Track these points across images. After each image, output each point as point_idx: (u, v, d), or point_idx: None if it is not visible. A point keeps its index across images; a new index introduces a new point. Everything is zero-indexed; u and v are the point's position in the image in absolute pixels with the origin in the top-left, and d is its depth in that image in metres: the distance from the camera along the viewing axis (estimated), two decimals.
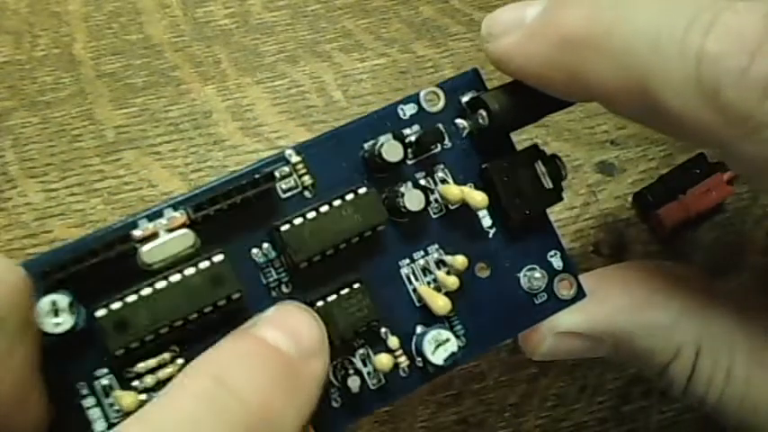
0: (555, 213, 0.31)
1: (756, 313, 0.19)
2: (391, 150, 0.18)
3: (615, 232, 0.31)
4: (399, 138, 0.18)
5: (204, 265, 0.16)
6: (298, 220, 0.17)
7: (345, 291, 0.18)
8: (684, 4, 0.15)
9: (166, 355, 0.17)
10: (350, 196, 0.17)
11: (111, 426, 0.16)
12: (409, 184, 0.19)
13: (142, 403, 0.16)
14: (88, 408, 0.16)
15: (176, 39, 0.34)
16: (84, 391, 0.16)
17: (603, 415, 0.28)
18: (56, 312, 0.16)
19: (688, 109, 0.15)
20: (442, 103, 0.19)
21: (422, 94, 0.19)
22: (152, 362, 0.16)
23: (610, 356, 0.20)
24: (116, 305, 0.16)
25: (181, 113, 0.32)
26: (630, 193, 0.32)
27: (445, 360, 0.18)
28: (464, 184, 0.19)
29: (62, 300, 0.16)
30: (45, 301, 0.16)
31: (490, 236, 0.19)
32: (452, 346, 0.18)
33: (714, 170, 0.31)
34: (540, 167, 0.19)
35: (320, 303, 0.17)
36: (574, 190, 0.32)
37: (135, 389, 0.16)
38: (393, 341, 0.18)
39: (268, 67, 0.33)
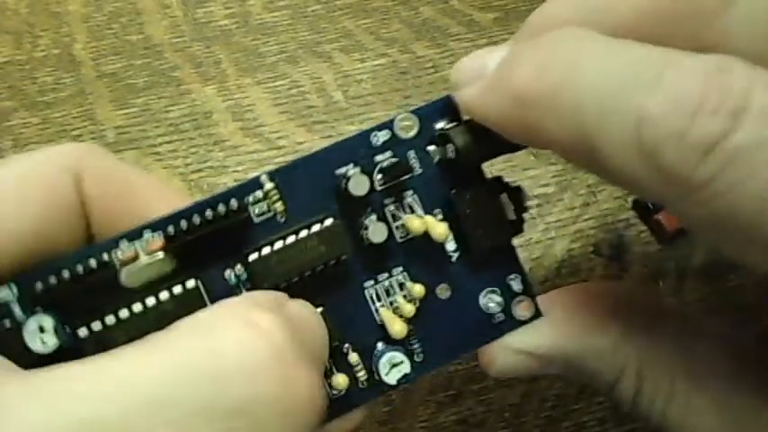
0: (555, 214, 0.31)
1: (697, 337, 0.20)
2: (357, 184, 0.19)
3: (615, 232, 0.31)
4: (366, 171, 0.19)
5: (177, 290, 0.18)
6: (265, 250, 0.18)
7: None
8: (628, 63, 0.15)
9: None
10: (316, 227, 0.18)
11: None
12: (373, 216, 0.19)
13: None
14: None
15: (177, 39, 0.34)
16: None
17: (603, 415, 0.28)
18: (42, 331, 0.17)
19: (630, 169, 0.15)
20: (415, 130, 0.20)
21: (396, 120, 0.20)
22: None
23: (562, 373, 0.21)
24: (96, 326, 0.17)
25: (181, 114, 0.32)
26: (630, 193, 0.32)
27: (398, 380, 0.20)
28: (431, 211, 0.20)
29: (47, 321, 0.17)
30: (32, 323, 0.17)
31: (453, 260, 0.20)
32: (405, 367, 0.20)
33: None
34: (504, 199, 0.20)
35: None
36: (574, 190, 0.32)
37: None
38: (353, 357, 0.19)
39: (268, 68, 0.33)
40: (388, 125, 0.19)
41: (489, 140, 0.19)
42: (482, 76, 0.18)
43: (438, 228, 0.19)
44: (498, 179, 0.20)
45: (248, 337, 0.15)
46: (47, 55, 0.33)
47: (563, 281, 0.30)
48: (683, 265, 0.31)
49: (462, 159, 0.19)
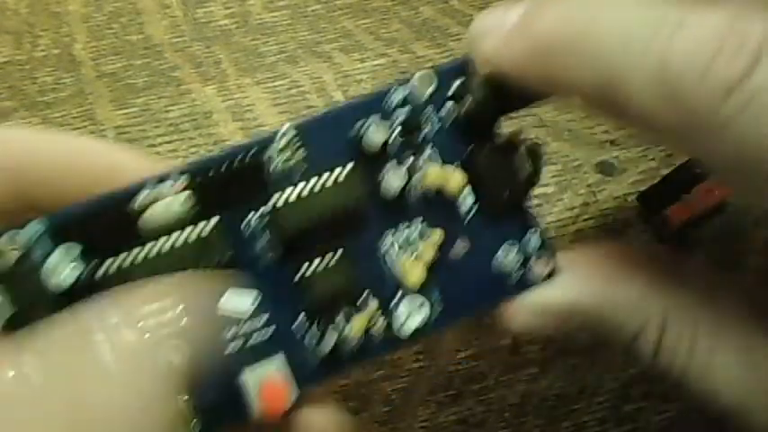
0: (555, 214, 0.31)
1: (720, 292, 0.20)
2: (374, 134, 0.19)
3: (615, 232, 0.31)
4: (385, 120, 0.19)
5: (196, 231, 0.18)
6: (285, 196, 0.19)
7: (326, 260, 0.19)
8: (654, 5, 0.16)
9: None
10: (334, 175, 0.19)
11: None
12: (390, 165, 0.20)
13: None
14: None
15: (177, 39, 0.34)
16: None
17: (603, 415, 0.28)
18: (64, 264, 0.17)
19: (653, 110, 0.15)
20: (433, 86, 0.20)
21: (416, 77, 0.20)
22: None
23: (580, 329, 0.21)
24: (121, 260, 0.18)
25: (181, 114, 0.32)
26: (630, 193, 0.32)
27: (415, 330, 0.19)
28: (449, 165, 0.20)
29: (74, 250, 0.17)
30: (57, 253, 0.17)
31: (471, 215, 0.20)
32: (423, 316, 0.19)
33: None
34: (521, 153, 0.20)
35: (302, 270, 0.19)
36: (574, 190, 0.32)
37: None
38: (372, 305, 0.19)
39: (268, 68, 0.33)
40: (407, 82, 0.20)
41: (507, 94, 0.19)
42: (501, 29, 0.18)
43: (455, 178, 0.20)
44: (516, 133, 0.20)
45: None
46: (47, 55, 0.33)
47: None
48: None
49: (480, 111, 0.20)
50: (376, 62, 0.34)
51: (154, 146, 0.31)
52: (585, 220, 0.31)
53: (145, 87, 0.33)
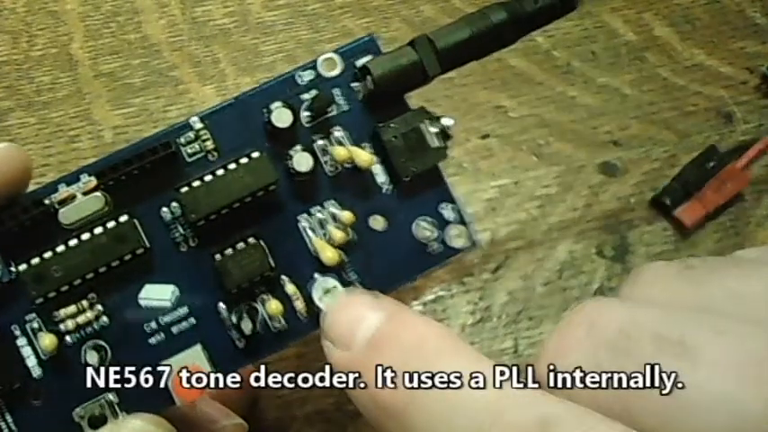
0: (557, 215, 0.31)
1: None
2: (280, 116, 0.19)
3: (618, 233, 0.31)
4: (288, 105, 0.20)
5: (111, 224, 0.19)
6: (195, 183, 0.19)
7: (240, 245, 0.19)
8: (472, 400, 0.15)
9: (84, 303, 0.19)
10: (243, 160, 0.19)
11: (41, 362, 0.19)
12: (299, 147, 0.20)
13: (61, 345, 0.19)
14: (21, 346, 0.19)
15: (175, 38, 0.33)
16: (17, 332, 0.19)
17: None
18: None
19: None
20: (338, 69, 0.20)
21: (319, 60, 0.20)
22: (71, 308, 0.19)
23: None
24: (35, 260, 0.18)
25: (179, 114, 0.32)
26: (633, 194, 0.31)
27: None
28: (359, 144, 0.20)
29: None
30: None
31: (384, 191, 0.20)
32: (339, 293, 0.20)
33: (727, 161, 0.30)
34: (428, 127, 0.20)
35: (218, 257, 0.19)
36: (576, 191, 0.31)
37: (59, 332, 0.19)
38: (290, 288, 0.20)
39: (267, 67, 0.33)
40: (312, 65, 0.20)
41: (404, 70, 0.20)
42: (351, 344, 0.18)
43: (363, 155, 0.20)
44: (421, 108, 0.21)
45: None
46: (44, 54, 0.33)
47: (565, 282, 0.30)
48: None
49: (380, 89, 0.20)
50: None
51: None
52: (588, 221, 0.31)
53: (143, 87, 0.32)
